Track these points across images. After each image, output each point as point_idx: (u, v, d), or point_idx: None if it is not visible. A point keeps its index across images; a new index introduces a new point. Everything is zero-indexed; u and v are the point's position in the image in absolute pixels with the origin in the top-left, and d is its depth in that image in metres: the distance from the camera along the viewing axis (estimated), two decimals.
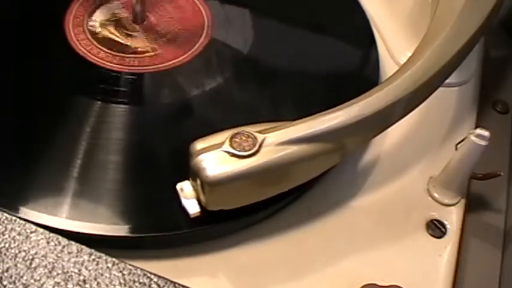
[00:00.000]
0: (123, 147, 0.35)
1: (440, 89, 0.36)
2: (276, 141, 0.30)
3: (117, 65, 0.39)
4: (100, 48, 0.40)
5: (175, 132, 0.36)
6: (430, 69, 0.33)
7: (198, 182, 0.30)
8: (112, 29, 0.41)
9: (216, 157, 0.29)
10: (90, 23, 0.41)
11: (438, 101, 0.41)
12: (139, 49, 0.40)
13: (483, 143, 0.33)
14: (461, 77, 0.43)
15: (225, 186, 0.29)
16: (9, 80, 0.38)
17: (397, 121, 0.34)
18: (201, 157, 0.29)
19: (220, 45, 0.41)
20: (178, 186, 0.31)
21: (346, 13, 0.45)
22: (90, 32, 0.41)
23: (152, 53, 0.40)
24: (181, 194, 0.31)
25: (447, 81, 0.37)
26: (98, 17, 0.42)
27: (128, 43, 0.41)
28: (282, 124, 0.31)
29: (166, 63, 0.40)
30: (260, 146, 0.29)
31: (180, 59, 0.40)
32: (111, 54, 0.39)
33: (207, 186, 0.29)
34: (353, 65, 0.42)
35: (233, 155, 0.29)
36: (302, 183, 0.32)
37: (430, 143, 0.39)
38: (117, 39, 0.41)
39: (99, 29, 0.41)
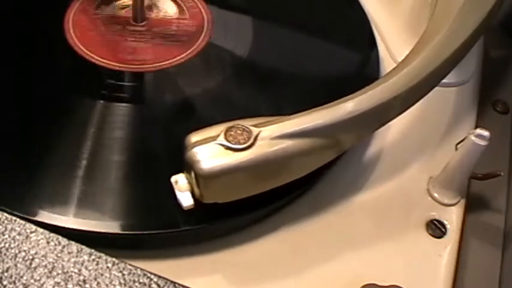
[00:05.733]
0: (124, 147, 0.35)
1: (441, 89, 0.36)
2: (271, 135, 0.30)
3: (116, 65, 0.39)
4: (100, 48, 0.40)
5: (176, 131, 0.36)
6: (427, 68, 0.33)
7: (193, 174, 0.30)
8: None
9: (211, 150, 0.29)
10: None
11: (438, 101, 0.41)
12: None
13: (483, 143, 0.33)
14: (461, 77, 0.43)
15: (219, 179, 0.29)
16: (10, 81, 0.38)
17: (392, 119, 0.34)
18: (195, 150, 0.29)
19: (220, 44, 0.41)
20: (173, 178, 0.31)
21: (347, 13, 0.46)
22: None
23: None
24: (175, 187, 0.31)
25: (447, 81, 0.38)
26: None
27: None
28: (278, 118, 0.31)
29: (166, 63, 0.40)
30: (255, 139, 0.29)
31: (180, 58, 0.40)
32: (111, 54, 0.40)
33: (201, 179, 0.29)
34: (353, 65, 0.42)
35: (228, 148, 0.29)
36: (297, 178, 0.32)
37: (430, 143, 0.39)
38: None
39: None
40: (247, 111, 0.37)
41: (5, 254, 0.24)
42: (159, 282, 0.24)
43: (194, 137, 0.30)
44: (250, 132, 0.29)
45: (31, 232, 0.25)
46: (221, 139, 0.29)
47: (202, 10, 0.44)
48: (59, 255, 0.25)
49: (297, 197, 0.35)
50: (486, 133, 0.33)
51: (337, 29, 0.44)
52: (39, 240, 0.25)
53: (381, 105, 0.31)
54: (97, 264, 0.25)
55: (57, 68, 0.39)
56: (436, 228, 0.35)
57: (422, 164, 0.38)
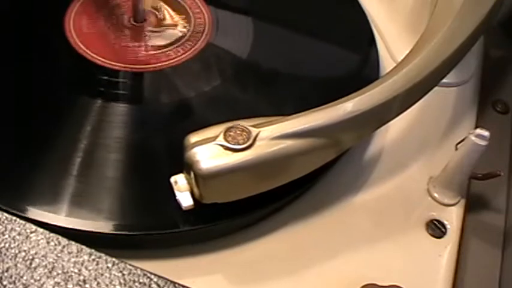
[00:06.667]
0: (123, 146, 0.35)
1: (441, 88, 0.36)
2: (270, 136, 0.30)
3: (116, 64, 0.39)
4: (101, 48, 0.40)
5: (175, 131, 0.36)
6: (427, 68, 0.33)
7: (192, 175, 0.30)
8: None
9: (210, 150, 0.29)
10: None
11: (438, 101, 0.41)
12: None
13: (483, 143, 0.33)
14: (461, 77, 0.43)
15: (219, 180, 0.29)
16: (10, 80, 0.38)
17: (392, 119, 0.34)
18: (194, 150, 0.29)
19: (220, 45, 0.41)
20: (173, 179, 0.31)
21: (347, 13, 0.45)
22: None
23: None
24: (175, 187, 0.31)
25: (447, 81, 0.37)
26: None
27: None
28: (277, 119, 0.31)
29: (166, 63, 0.40)
30: (254, 140, 0.29)
31: (180, 58, 0.40)
32: (111, 54, 0.40)
33: (200, 179, 0.29)
34: (353, 65, 0.42)
35: (227, 148, 0.29)
36: (296, 178, 0.32)
37: (430, 143, 0.39)
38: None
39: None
40: (246, 111, 0.37)
41: (5, 254, 0.24)
42: (159, 282, 0.24)
43: (193, 138, 0.30)
44: (249, 132, 0.29)
45: (31, 232, 0.25)
46: (220, 139, 0.29)
47: (203, 10, 0.44)
48: (59, 255, 0.25)
49: (296, 197, 0.35)
50: (486, 133, 0.33)
51: (337, 29, 0.44)
52: (39, 240, 0.25)
53: (380, 105, 0.31)
54: (97, 264, 0.25)
55: (57, 68, 0.39)
56: (436, 228, 0.35)
57: (422, 164, 0.38)
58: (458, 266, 0.34)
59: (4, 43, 0.40)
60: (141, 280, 0.24)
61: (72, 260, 0.25)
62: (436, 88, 0.35)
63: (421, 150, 0.39)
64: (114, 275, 0.24)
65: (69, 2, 0.43)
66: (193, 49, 0.41)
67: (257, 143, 0.29)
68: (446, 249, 0.34)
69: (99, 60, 0.39)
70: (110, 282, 0.24)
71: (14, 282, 0.24)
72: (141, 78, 0.39)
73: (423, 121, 0.40)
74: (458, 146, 0.34)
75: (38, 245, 0.25)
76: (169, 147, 0.35)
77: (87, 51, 0.40)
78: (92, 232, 0.31)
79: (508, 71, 0.47)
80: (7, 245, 0.25)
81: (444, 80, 0.36)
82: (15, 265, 0.24)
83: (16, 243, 0.25)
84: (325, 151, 0.32)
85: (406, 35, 0.44)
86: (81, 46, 0.40)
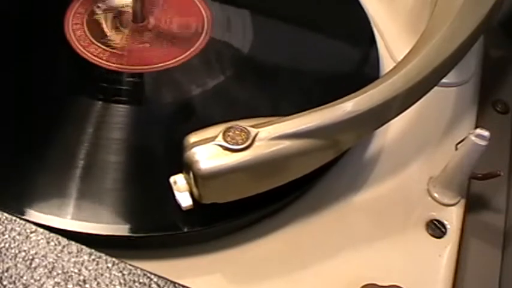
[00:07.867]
0: (124, 148, 0.35)
1: (441, 88, 0.36)
2: (269, 136, 0.30)
3: (116, 65, 0.39)
4: (87, 34, 0.40)
5: (176, 132, 0.36)
6: (426, 68, 0.33)
7: (191, 175, 0.30)
8: (107, 17, 0.42)
9: (209, 150, 0.29)
10: (95, 8, 0.42)
11: (438, 101, 0.41)
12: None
13: (483, 143, 0.33)
14: (461, 77, 0.43)
15: (218, 180, 0.29)
16: (9, 81, 0.38)
17: (392, 118, 0.34)
18: (194, 150, 0.29)
19: (220, 44, 0.41)
20: (172, 179, 0.31)
21: (347, 12, 0.45)
22: (87, 20, 0.41)
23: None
24: (174, 187, 0.31)
25: (447, 81, 0.37)
26: (99, 16, 0.42)
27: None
28: (276, 119, 0.31)
29: (166, 63, 0.40)
30: (253, 140, 0.29)
31: (180, 58, 0.40)
32: (111, 54, 0.40)
33: (199, 179, 0.29)
34: (353, 65, 0.42)
35: (226, 148, 0.29)
36: (296, 178, 0.32)
37: (430, 143, 0.39)
38: (103, 27, 0.41)
39: (98, 12, 0.41)
40: (246, 111, 0.37)
41: (5, 254, 0.24)
42: (159, 282, 0.24)
43: (193, 138, 0.30)
44: (248, 132, 0.29)
45: (31, 232, 0.25)
46: (219, 140, 0.29)
47: (202, 10, 0.44)
48: (59, 255, 0.25)
49: (297, 197, 0.35)
50: (486, 133, 0.33)
51: (337, 29, 0.44)
52: (39, 240, 0.25)
53: (380, 105, 0.31)
54: (97, 264, 0.25)
55: (57, 68, 0.39)
56: (436, 228, 0.35)
57: (422, 164, 0.38)
58: (458, 266, 0.34)
59: (4, 43, 0.40)
60: (141, 280, 0.24)
61: (72, 260, 0.25)
62: (436, 88, 0.35)
63: (421, 150, 0.39)
64: (114, 275, 0.24)
65: (69, 2, 0.43)
66: (193, 49, 0.41)
67: (256, 144, 0.29)
68: (446, 249, 0.34)
69: (99, 61, 0.39)
70: (110, 282, 0.24)
71: (14, 282, 0.24)
72: (140, 79, 0.39)
73: (423, 121, 0.40)
74: (458, 146, 0.34)
75: (38, 245, 0.25)
76: (168, 147, 0.35)
77: (87, 51, 0.39)
78: (92, 234, 0.30)
79: (508, 71, 0.47)
80: (7, 245, 0.25)
81: (444, 80, 0.36)
82: (15, 265, 0.24)
83: (16, 243, 0.25)
84: (324, 151, 0.32)
85: (406, 35, 0.44)
86: (81, 47, 0.40)
